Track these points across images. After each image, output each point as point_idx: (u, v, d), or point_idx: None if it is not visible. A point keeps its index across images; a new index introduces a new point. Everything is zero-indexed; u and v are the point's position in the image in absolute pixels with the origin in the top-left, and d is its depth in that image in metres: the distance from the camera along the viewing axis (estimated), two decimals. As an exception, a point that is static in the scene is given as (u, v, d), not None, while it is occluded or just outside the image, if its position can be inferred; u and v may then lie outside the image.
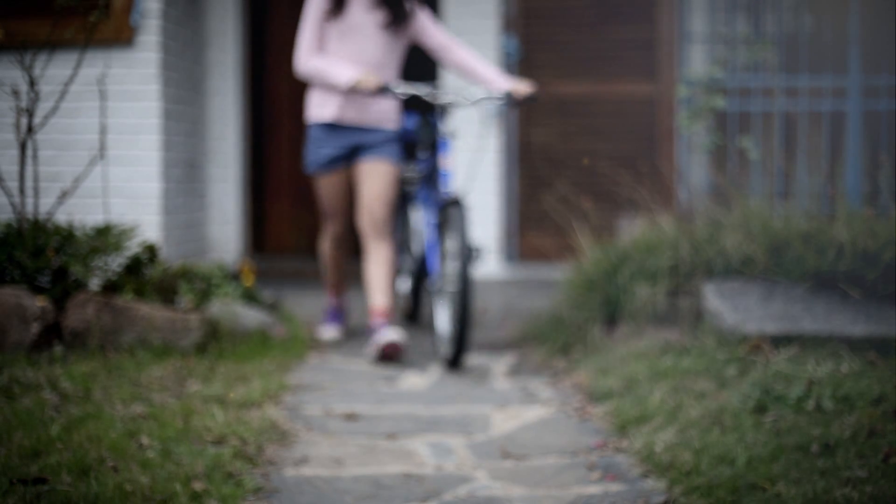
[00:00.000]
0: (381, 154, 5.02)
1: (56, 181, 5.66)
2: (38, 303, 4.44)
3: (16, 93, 4.77)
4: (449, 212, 4.78)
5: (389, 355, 4.76)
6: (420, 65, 7.23)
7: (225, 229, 7.30)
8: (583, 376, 4.44)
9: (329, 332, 5.34)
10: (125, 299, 4.60)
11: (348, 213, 5.22)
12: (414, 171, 5.20)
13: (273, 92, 7.99)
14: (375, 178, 5.00)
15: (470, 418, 3.94)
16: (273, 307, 5.44)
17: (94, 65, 5.85)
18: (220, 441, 3.42)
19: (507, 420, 3.92)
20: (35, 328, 4.41)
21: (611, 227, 6.28)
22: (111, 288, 4.71)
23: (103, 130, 5.27)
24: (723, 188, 5.49)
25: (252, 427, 3.57)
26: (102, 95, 5.49)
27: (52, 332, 4.48)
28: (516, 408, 4.08)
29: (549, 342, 4.98)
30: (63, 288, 4.61)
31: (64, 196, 4.94)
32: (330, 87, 4.92)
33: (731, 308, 4.51)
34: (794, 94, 6.30)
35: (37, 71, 4.89)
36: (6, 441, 3.18)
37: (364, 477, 3.24)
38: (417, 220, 5.40)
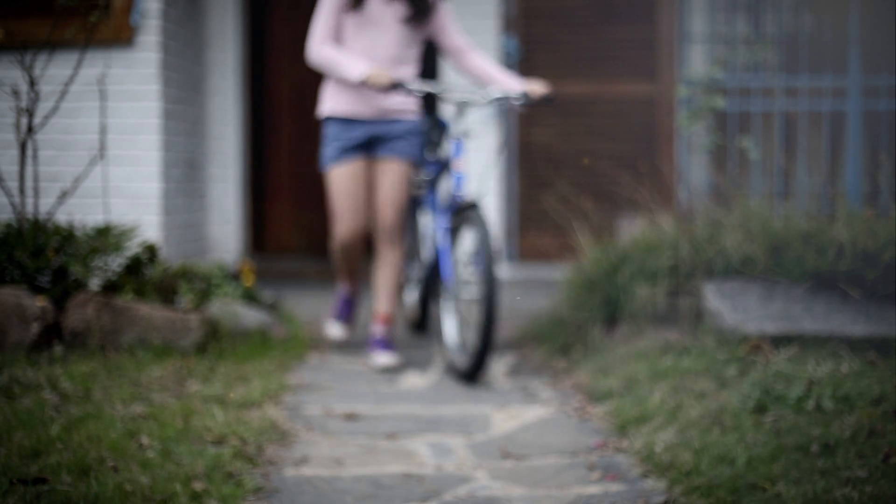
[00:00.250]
0: (398, 151, 4.80)
1: (56, 181, 5.66)
2: (38, 303, 4.44)
3: (16, 93, 4.77)
4: (467, 216, 4.58)
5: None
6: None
7: (225, 229, 7.30)
8: (583, 376, 4.44)
9: (335, 330, 5.15)
10: (125, 299, 4.60)
11: (363, 214, 4.85)
12: (422, 173, 5.01)
13: (273, 92, 7.99)
14: (388, 182, 4.81)
15: (470, 418, 3.94)
16: (273, 307, 5.44)
17: (94, 65, 5.85)
18: (220, 441, 3.42)
19: (507, 420, 3.92)
20: (35, 328, 4.41)
21: (611, 227, 6.28)
22: (111, 288, 4.71)
23: (103, 130, 5.27)
24: (723, 188, 5.49)
25: (252, 427, 3.57)
26: (102, 95, 5.50)
27: (52, 332, 4.48)
28: (516, 408, 4.08)
29: (549, 342, 4.98)
30: (63, 288, 4.61)
31: (64, 196, 4.94)
32: (341, 80, 4.73)
33: (731, 308, 4.51)
34: (794, 94, 6.30)
35: (37, 71, 4.89)
36: (6, 441, 3.18)
37: (364, 477, 3.24)
38: (427, 226, 5.14)
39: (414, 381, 4.56)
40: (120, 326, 4.53)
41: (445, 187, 4.88)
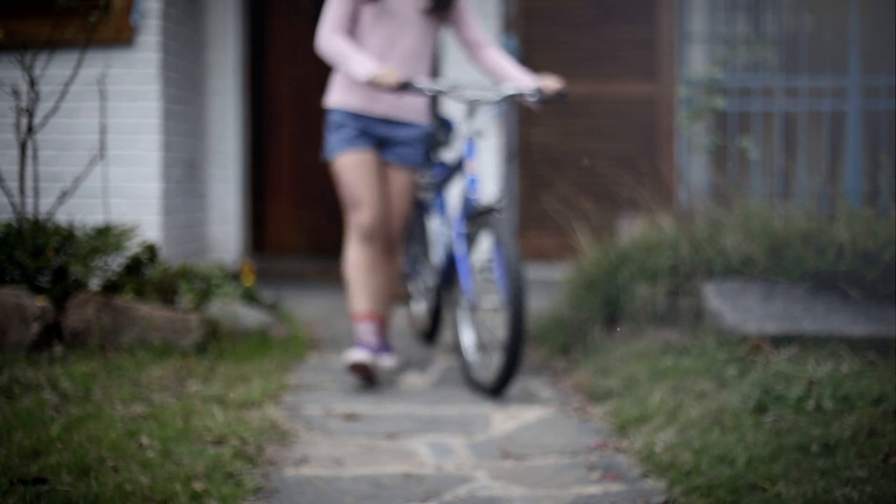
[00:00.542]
0: (406, 159, 4.54)
1: (56, 181, 5.66)
2: (38, 303, 4.44)
3: (16, 93, 4.77)
4: (486, 221, 4.31)
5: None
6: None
7: (225, 229, 7.30)
8: (583, 376, 4.44)
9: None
10: (125, 299, 4.60)
11: (379, 201, 4.48)
12: (429, 176, 4.79)
13: (273, 92, 7.99)
14: (394, 191, 4.55)
15: (470, 418, 3.94)
16: (273, 307, 5.44)
17: (94, 65, 5.85)
18: (220, 441, 3.42)
19: (507, 420, 3.92)
20: (35, 328, 4.41)
21: (611, 227, 6.28)
22: (111, 288, 4.71)
23: (103, 130, 5.27)
24: (723, 188, 5.49)
25: (252, 427, 3.57)
26: (102, 95, 5.50)
27: (52, 332, 4.48)
28: (516, 408, 4.08)
29: (549, 342, 4.98)
30: (63, 288, 4.61)
31: (64, 196, 4.94)
32: (348, 76, 4.42)
33: (731, 308, 4.51)
34: (794, 94, 6.30)
35: (37, 71, 4.89)
36: (6, 441, 3.18)
37: (364, 477, 3.24)
38: (434, 231, 4.89)
39: (414, 380, 4.56)
40: (120, 326, 4.53)
41: (455, 190, 4.72)
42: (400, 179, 4.56)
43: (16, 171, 4.87)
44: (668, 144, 7.14)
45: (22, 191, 4.79)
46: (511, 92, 4.46)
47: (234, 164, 7.30)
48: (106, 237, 4.80)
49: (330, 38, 4.38)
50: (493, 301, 4.35)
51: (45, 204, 5.15)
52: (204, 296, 4.94)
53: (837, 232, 4.63)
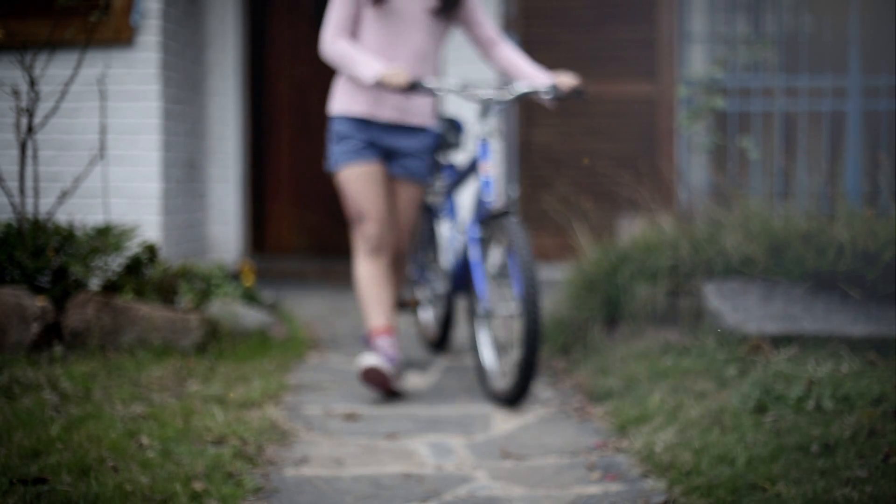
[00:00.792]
0: (414, 172, 4.41)
1: (56, 181, 5.66)
2: (38, 303, 4.44)
3: (16, 93, 4.77)
4: (500, 225, 4.15)
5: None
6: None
7: (225, 229, 7.30)
8: (583, 376, 4.44)
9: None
10: (125, 299, 4.60)
11: (386, 214, 4.37)
12: (438, 180, 4.65)
13: (273, 92, 7.99)
14: (402, 205, 4.44)
15: (470, 418, 3.94)
16: (273, 307, 5.45)
17: (94, 65, 5.85)
18: (220, 441, 3.42)
19: (507, 420, 3.92)
20: (35, 328, 4.41)
21: (611, 227, 6.28)
22: (111, 288, 4.71)
23: (103, 130, 5.27)
24: (723, 188, 5.49)
25: (252, 427, 3.57)
26: (102, 95, 5.50)
27: (52, 332, 4.48)
28: (516, 408, 4.08)
29: (549, 342, 4.98)
30: (63, 288, 4.61)
31: (64, 196, 4.94)
32: (353, 79, 4.29)
33: (731, 308, 4.51)
34: (794, 94, 6.31)
35: (37, 71, 4.89)
36: (6, 441, 3.18)
37: (364, 477, 3.24)
38: (445, 236, 4.75)
39: (414, 380, 4.56)
40: (120, 326, 4.53)
41: (466, 194, 4.61)
42: (407, 192, 4.45)
43: (16, 171, 4.87)
44: (668, 144, 7.14)
45: (22, 191, 4.79)
46: (525, 90, 4.29)
47: (234, 164, 7.30)
48: (106, 237, 4.81)
49: (334, 42, 4.25)
50: (508, 308, 4.19)
51: (45, 204, 5.15)
52: (204, 296, 4.94)
53: (837, 232, 4.63)
